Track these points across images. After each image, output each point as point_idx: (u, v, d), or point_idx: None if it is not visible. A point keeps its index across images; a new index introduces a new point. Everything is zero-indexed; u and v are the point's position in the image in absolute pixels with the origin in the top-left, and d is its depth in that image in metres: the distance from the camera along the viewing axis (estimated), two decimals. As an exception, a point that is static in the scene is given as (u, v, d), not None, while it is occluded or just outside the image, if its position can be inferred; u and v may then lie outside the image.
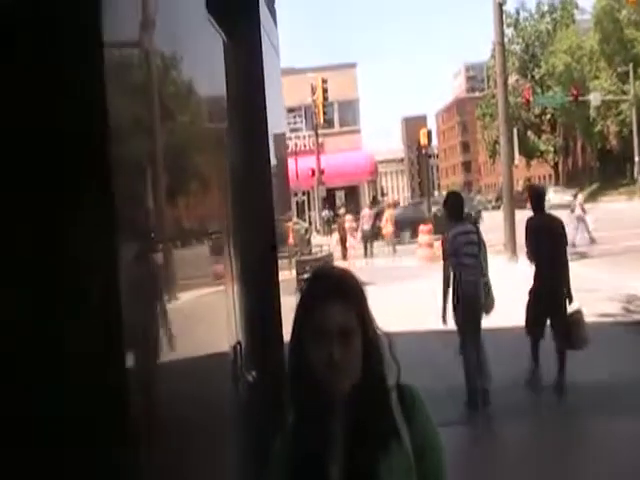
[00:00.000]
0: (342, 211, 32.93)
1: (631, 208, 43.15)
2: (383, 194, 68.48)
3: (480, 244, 8.37)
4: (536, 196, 9.23)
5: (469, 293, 8.13)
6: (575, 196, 29.52)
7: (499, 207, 50.69)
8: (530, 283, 8.84)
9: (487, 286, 8.32)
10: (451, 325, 8.37)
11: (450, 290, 8.32)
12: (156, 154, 2.23)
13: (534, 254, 8.86)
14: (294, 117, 54.33)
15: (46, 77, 1.65)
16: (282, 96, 5.99)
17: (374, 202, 43.34)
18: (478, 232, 8.52)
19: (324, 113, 44.54)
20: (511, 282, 13.02)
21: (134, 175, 2.00)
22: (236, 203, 3.38)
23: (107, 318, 1.67)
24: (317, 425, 1.99)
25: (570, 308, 8.60)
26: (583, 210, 27.43)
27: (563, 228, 8.92)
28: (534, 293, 8.83)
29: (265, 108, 3.96)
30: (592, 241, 26.05)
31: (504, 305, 9.13)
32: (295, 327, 2.04)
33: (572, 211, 28.07)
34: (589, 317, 10.60)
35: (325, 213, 45.97)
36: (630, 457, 6.41)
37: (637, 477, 5.96)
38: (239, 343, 3.03)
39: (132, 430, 1.73)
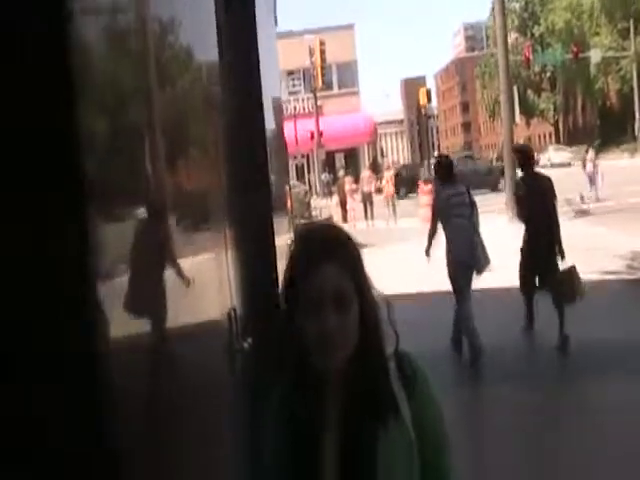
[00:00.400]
0: (341, 173, 32.79)
1: (633, 165, 43.00)
2: (383, 156, 68.25)
3: (472, 205, 8.57)
4: (524, 156, 9.32)
5: (462, 253, 8.36)
6: (586, 151, 29.51)
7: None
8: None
9: (481, 246, 8.51)
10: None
11: (435, 235, 8.77)
12: (144, 120, 2.19)
13: (525, 214, 9.08)
14: (292, 80, 54.02)
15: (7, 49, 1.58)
16: (277, 59, 5.92)
17: (374, 164, 43.20)
18: (469, 193, 8.73)
19: (322, 75, 44.17)
20: (512, 240, 12.99)
21: (124, 139, 1.96)
22: (231, 168, 3.34)
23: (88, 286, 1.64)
24: (310, 399, 1.83)
25: (563, 265, 8.75)
26: (595, 166, 27.37)
27: (552, 187, 9.02)
28: (525, 252, 9.05)
29: (259, 71, 3.90)
30: (597, 199, 25.98)
31: (504, 262, 9.45)
32: (284, 292, 1.84)
33: (584, 167, 28.12)
34: (593, 274, 11.00)
35: (324, 176, 45.83)
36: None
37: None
38: (234, 309, 2.99)
39: (121, 400, 1.71)
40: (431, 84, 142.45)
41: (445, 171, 8.83)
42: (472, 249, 8.37)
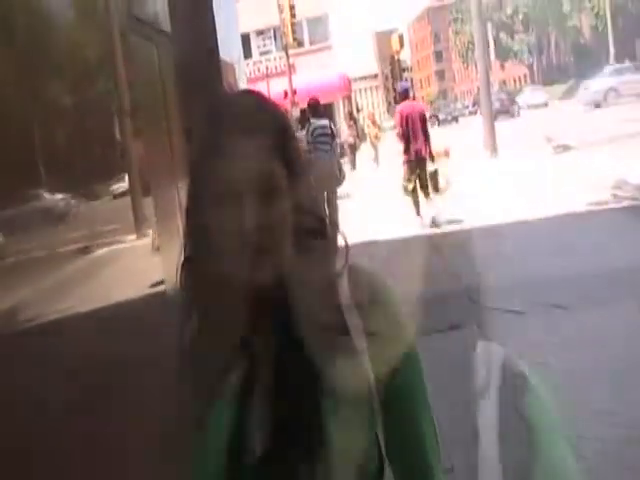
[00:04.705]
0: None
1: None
2: (358, 110, 68.03)
3: (334, 135, 11.77)
4: (401, 91, 13.21)
5: (326, 171, 10.95)
6: None
7: (475, 112, 50.63)
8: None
9: (339, 165, 11.76)
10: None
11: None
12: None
13: (403, 134, 12.23)
14: (263, 40, 53.26)
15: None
16: (237, 20, 5.84)
17: (351, 116, 43.21)
18: (332, 126, 11.89)
19: (293, 32, 43.48)
20: (492, 176, 16.72)
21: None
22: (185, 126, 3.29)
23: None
24: (226, 338, 1.29)
25: (431, 167, 12.18)
26: None
27: (423, 113, 12.71)
28: (406, 160, 12.29)
29: (215, 31, 3.83)
30: None
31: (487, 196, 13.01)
32: (189, 187, 1.30)
33: None
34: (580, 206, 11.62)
35: (300, 134, 45.48)
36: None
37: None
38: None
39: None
40: (404, 37, 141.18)
41: (314, 109, 11.84)
42: (333, 168, 11.21)
